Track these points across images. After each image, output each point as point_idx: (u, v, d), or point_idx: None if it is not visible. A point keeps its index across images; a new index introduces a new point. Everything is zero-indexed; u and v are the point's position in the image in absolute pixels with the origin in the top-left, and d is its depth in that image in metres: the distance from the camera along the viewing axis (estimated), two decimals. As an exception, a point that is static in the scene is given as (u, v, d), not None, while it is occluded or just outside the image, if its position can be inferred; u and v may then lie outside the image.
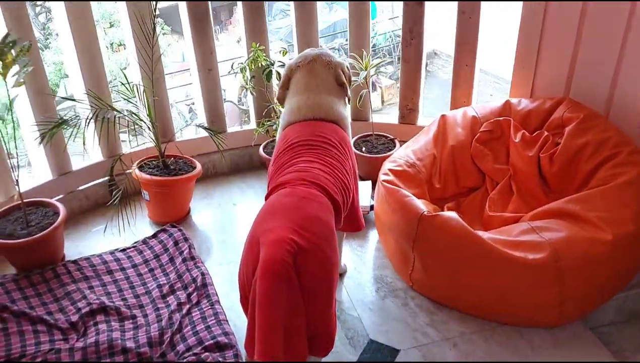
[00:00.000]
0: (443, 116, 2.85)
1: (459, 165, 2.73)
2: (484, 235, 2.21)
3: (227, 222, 3.08)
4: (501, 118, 2.73)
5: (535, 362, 2.14)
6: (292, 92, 2.30)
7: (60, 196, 3.00)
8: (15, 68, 2.26)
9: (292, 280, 1.57)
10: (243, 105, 7.21)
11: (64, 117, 2.74)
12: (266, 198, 1.96)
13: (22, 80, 2.28)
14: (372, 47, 3.27)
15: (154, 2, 2.74)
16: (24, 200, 2.59)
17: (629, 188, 2.24)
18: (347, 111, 2.32)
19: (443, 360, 2.15)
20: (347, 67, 2.36)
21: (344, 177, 2.02)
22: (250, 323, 1.66)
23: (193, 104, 7.20)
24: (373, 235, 2.84)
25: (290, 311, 1.58)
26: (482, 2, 2.92)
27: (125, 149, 3.18)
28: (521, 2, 2.82)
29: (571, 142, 2.46)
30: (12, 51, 2.22)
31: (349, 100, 2.35)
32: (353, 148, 2.72)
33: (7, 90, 2.28)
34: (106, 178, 3.07)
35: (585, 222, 2.19)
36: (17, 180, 2.51)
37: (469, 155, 2.74)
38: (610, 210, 2.19)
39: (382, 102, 8.53)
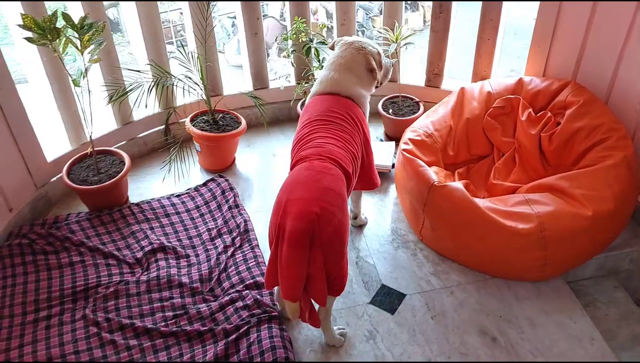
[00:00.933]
0: (462, 89, 3.15)
1: (472, 136, 3.07)
2: (483, 204, 2.58)
3: (267, 171, 3.49)
4: (512, 96, 3.02)
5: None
6: (324, 66, 2.69)
7: (123, 143, 3.45)
8: (91, 46, 2.65)
9: (312, 244, 2.01)
10: (284, 20, 7.33)
11: (127, 79, 3.16)
12: (291, 168, 2.36)
13: (97, 57, 2.68)
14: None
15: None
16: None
17: (614, 170, 2.56)
18: (366, 91, 2.66)
19: (441, 305, 2.59)
20: (379, 54, 2.68)
21: (353, 148, 2.40)
22: (271, 262, 2.12)
23: (235, 17, 7.26)
24: (392, 192, 3.23)
25: (310, 265, 2.03)
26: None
27: (179, 101, 3.58)
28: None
29: (569, 124, 2.77)
30: (89, 32, 2.60)
31: (379, 84, 2.71)
32: (381, 110, 3.18)
33: (84, 64, 2.69)
34: (162, 126, 3.52)
35: (571, 197, 2.54)
36: (90, 135, 2.96)
37: (481, 127, 3.07)
38: (594, 189, 2.53)
39: (424, 22, 8.51)
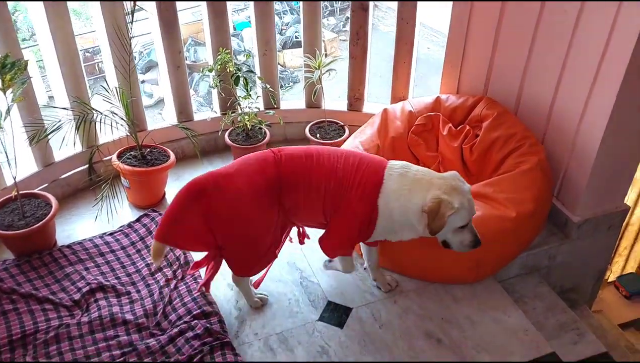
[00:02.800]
0: (385, 110, 3.33)
1: (398, 153, 3.23)
2: (417, 215, 2.72)
3: (197, 203, 3.49)
4: (432, 113, 3.24)
5: (457, 313, 2.71)
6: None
7: (45, 185, 3.33)
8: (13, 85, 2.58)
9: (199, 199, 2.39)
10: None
11: (46, 119, 3.09)
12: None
13: (20, 96, 2.61)
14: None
15: (131, 7, 3.04)
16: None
17: (530, 174, 2.80)
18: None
19: (387, 314, 2.69)
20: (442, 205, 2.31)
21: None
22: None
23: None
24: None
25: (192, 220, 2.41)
26: (417, 11, 3.38)
27: (101, 139, 3.51)
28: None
29: (486, 135, 3.01)
30: (11, 70, 2.54)
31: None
32: (309, 135, 3.54)
33: (8, 104, 2.61)
34: (85, 166, 3.43)
35: (496, 202, 2.75)
36: (14, 177, 2.85)
37: (406, 144, 3.25)
38: (514, 192, 2.75)
39: (325, 55, 8.84)
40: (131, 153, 3.34)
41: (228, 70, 3.35)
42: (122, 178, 3.32)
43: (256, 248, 2.47)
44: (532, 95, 3.09)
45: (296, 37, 10.15)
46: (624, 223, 3.86)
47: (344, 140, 3.44)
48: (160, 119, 3.84)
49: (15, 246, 2.92)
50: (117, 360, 2.37)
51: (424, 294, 2.80)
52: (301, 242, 2.77)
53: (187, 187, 2.37)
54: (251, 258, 2.50)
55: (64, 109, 3.12)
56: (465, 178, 3.04)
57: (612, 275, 4.65)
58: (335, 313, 2.70)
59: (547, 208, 2.89)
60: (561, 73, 2.87)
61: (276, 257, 2.65)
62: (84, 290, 2.71)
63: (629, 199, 3.19)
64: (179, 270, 2.83)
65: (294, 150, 2.47)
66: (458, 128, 3.18)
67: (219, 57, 3.35)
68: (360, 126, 3.40)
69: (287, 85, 10.54)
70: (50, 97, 3.56)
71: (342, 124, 3.77)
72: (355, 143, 3.18)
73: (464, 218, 2.34)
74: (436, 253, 2.70)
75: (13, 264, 2.85)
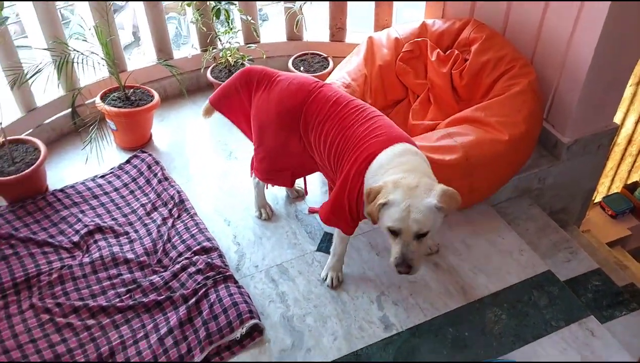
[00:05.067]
0: (370, 38, 3.27)
1: (386, 82, 3.20)
2: (410, 142, 2.73)
3: (185, 143, 3.44)
4: (419, 39, 3.19)
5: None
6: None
7: (30, 130, 3.27)
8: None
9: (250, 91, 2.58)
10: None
11: (24, 62, 3.00)
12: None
13: None
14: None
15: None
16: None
17: (521, 96, 2.80)
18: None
19: (383, 242, 2.73)
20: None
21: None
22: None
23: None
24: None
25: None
26: None
27: (82, 82, 3.42)
28: None
29: (476, 59, 2.98)
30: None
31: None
32: (293, 68, 3.47)
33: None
34: (69, 110, 3.37)
35: (488, 125, 2.75)
36: (0, 123, 2.79)
37: (394, 73, 3.21)
38: (506, 115, 2.75)
39: None
40: (114, 94, 3.29)
41: (208, 4, 3.25)
42: (107, 120, 3.27)
43: (270, 157, 2.55)
44: (520, 15, 3.04)
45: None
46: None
47: (329, 73, 3.39)
48: (139, 59, 3.72)
49: (8, 192, 2.90)
50: (123, 297, 2.40)
51: (418, 220, 2.84)
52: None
53: (242, 71, 2.57)
54: (265, 164, 2.59)
55: (45, 49, 3.02)
56: (456, 104, 3.08)
57: (598, 196, 4.75)
58: (331, 243, 2.73)
59: (538, 130, 2.91)
60: (550, -10, 2.83)
61: (290, 184, 2.77)
62: (82, 232, 2.71)
63: (617, 119, 3.21)
64: (175, 209, 2.83)
65: (329, 92, 2.36)
66: (446, 53, 3.15)
67: (199, -11, 3.25)
68: (344, 58, 3.35)
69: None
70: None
71: (326, 55, 3.71)
72: (341, 74, 3.14)
73: (393, 219, 1.98)
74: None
75: (7, 210, 2.83)
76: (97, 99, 3.25)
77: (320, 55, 3.72)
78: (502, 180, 2.85)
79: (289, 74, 2.52)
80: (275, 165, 2.58)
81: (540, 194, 3.16)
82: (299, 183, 2.94)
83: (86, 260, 2.57)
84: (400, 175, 2.03)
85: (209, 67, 3.63)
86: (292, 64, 3.64)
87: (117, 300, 2.39)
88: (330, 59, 3.67)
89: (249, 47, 3.63)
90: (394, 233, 2.02)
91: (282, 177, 2.65)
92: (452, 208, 2.04)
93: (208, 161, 3.25)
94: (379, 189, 2.02)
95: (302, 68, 3.60)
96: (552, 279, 2.58)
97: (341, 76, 3.12)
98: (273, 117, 2.43)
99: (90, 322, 2.31)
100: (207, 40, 3.59)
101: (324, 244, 2.73)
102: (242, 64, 3.52)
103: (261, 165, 2.62)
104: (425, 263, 2.63)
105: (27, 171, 2.81)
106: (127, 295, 2.41)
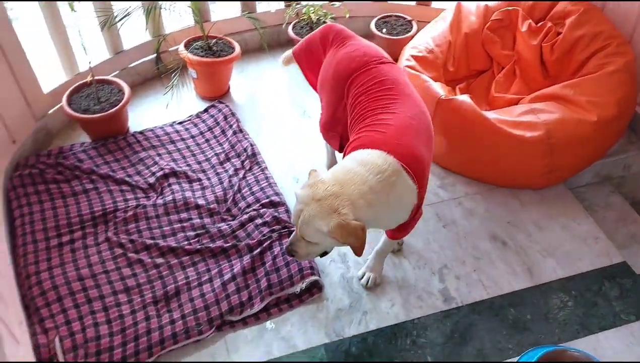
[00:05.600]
0: (459, 4, 3.16)
1: (471, 51, 3.10)
2: (491, 116, 2.64)
3: (262, 97, 3.46)
4: (511, 8, 3.04)
5: (524, 217, 2.68)
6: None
7: (116, 72, 3.38)
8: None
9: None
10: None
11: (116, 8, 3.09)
12: None
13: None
14: None
15: None
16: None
17: (616, 76, 2.64)
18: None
19: (451, 215, 2.69)
20: None
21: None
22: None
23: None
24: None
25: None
26: None
27: (167, 30, 3.49)
28: None
29: (570, 33, 2.82)
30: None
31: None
32: (375, 30, 3.41)
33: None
34: (153, 55, 3.45)
35: (576, 105, 2.62)
36: (89, 63, 2.89)
37: (480, 42, 3.09)
38: (598, 95, 2.61)
39: None
40: (197, 43, 3.33)
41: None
42: (189, 68, 3.33)
43: (328, 115, 2.46)
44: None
45: None
46: None
47: (412, 37, 3.30)
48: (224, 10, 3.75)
49: (92, 130, 3.01)
50: (192, 240, 2.48)
51: (490, 198, 2.77)
52: None
53: (324, 27, 2.56)
54: (325, 121, 2.51)
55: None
56: (543, 80, 2.95)
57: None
58: (400, 210, 2.71)
59: (630, 114, 2.75)
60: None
61: (340, 149, 2.55)
62: (158, 174, 2.80)
63: None
64: (247, 161, 2.87)
65: (383, 70, 2.23)
66: (538, 24, 2.99)
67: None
68: (429, 22, 3.25)
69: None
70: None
71: (410, 19, 3.62)
72: (425, 39, 3.06)
73: (293, 209, 1.96)
74: (508, 156, 2.65)
75: (90, 147, 2.95)
76: (181, 47, 3.30)
77: (404, 18, 3.63)
78: (584, 164, 2.73)
79: (361, 41, 2.44)
80: (329, 124, 2.49)
81: (622, 182, 3.00)
82: None
83: (160, 201, 2.66)
84: (328, 177, 1.90)
85: (291, 22, 3.61)
86: (375, 25, 3.57)
87: (186, 242, 2.48)
88: (414, 23, 3.58)
89: (332, 4, 3.58)
90: None
91: (333, 139, 2.55)
92: (349, 242, 1.88)
93: (282, 117, 3.27)
94: (313, 174, 1.94)
95: (384, 30, 3.53)
96: (627, 271, 2.47)
97: (424, 41, 3.04)
98: (329, 78, 2.39)
99: (159, 260, 2.40)
100: (292, -6, 3.57)
101: (391, 210, 2.71)
102: (324, 22, 3.48)
103: (321, 119, 2.56)
104: (493, 240, 2.57)
105: (111, 111, 2.91)
106: (195, 239, 2.49)
